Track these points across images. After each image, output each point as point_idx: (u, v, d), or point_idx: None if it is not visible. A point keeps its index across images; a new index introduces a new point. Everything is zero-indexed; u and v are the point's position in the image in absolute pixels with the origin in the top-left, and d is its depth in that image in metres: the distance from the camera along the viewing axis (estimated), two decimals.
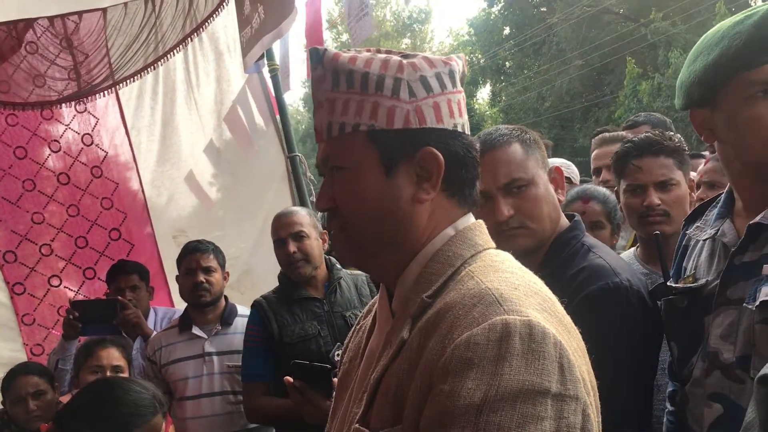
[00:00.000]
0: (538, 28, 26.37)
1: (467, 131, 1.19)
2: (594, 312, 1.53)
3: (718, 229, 1.57)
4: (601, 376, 1.08)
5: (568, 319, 1.07)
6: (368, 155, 1.12)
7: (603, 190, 2.75)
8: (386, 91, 1.11)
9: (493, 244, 1.18)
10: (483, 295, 1.01)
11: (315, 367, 1.84)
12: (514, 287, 1.03)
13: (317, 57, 1.16)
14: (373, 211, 1.13)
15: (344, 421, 1.20)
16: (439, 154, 1.12)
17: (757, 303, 1.39)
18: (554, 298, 1.09)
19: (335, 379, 1.91)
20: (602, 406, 1.07)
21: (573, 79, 24.59)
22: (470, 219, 1.18)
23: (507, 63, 29.08)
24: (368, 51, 1.17)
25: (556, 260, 1.71)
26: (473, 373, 0.93)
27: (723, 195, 1.64)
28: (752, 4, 21.87)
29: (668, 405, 1.80)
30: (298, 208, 3.21)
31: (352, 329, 1.41)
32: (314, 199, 4.20)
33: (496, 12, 30.14)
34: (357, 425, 1.09)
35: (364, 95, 1.12)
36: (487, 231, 1.19)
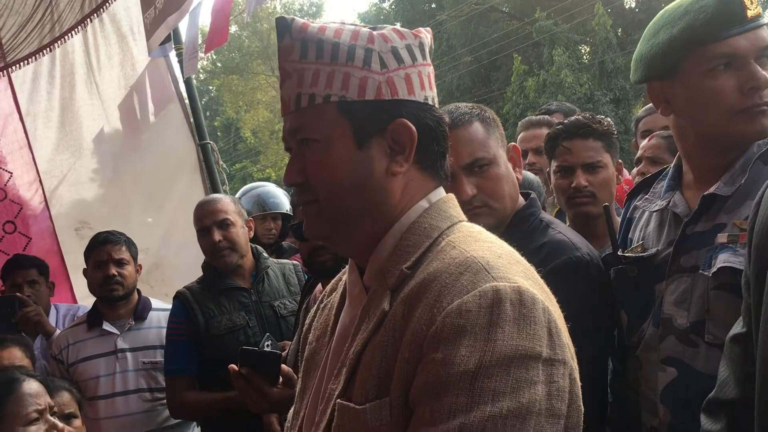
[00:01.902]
0: (428, 24, 26.72)
1: (437, 105, 1.19)
2: (560, 285, 1.56)
3: (670, 201, 1.63)
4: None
5: (547, 287, 1.10)
6: (340, 127, 1.10)
7: (527, 174, 2.83)
8: (357, 61, 1.09)
9: (465, 217, 1.19)
10: (469, 263, 1.01)
11: (264, 353, 1.79)
12: (498, 255, 1.05)
13: (285, 26, 1.13)
14: (345, 184, 1.11)
15: (319, 399, 1.17)
16: (412, 126, 1.11)
17: (714, 270, 1.46)
18: (533, 268, 1.11)
19: (283, 366, 1.88)
20: None
21: (463, 75, 25.20)
22: (442, 192, 1.19)
23: None
24: (334, 23, 1.15)
25: (516, 237, 1.71)
26: (466, 340, 0.94)
27: (671, 168, 1.70)
28: (626, 6, 23.29)
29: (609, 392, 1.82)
30: (221, 195, 3.11)
31: (314, 308, 1.39)
32: (227, 188, 4.11)
33: (387, 7, 30.41)
34: (340, 401, 1.07)
35: (335, 65, 1.09)
36: (458, 204, 1.20)
